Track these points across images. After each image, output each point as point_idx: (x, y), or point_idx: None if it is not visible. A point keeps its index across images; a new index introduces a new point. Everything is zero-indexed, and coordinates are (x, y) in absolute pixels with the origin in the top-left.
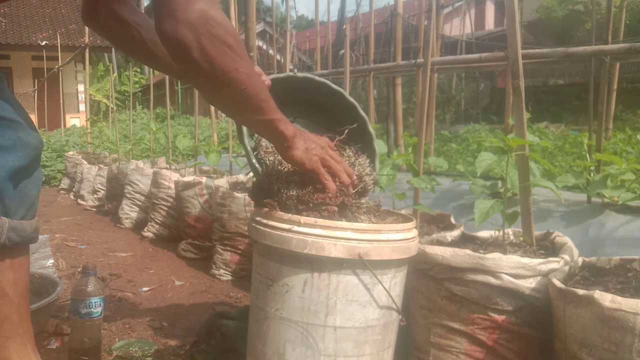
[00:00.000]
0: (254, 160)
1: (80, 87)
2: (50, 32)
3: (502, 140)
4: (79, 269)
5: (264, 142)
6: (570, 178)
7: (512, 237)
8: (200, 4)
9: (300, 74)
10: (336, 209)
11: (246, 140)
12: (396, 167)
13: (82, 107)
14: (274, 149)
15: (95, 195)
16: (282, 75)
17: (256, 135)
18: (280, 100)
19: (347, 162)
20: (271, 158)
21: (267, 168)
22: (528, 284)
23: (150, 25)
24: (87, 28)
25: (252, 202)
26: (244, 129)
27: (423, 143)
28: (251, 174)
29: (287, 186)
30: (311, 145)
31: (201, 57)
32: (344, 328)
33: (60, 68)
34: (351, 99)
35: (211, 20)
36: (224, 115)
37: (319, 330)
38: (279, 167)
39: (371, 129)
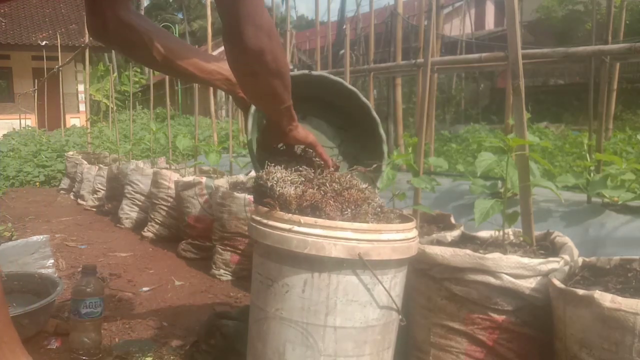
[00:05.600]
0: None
1: (80, 87)
2: (50, 32)
3: (502, 140)
4: (79, 269)
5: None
6: (570, 178)
7: (512, 237)
8: (266, 12)
9: (315, 73)
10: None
11: (250, 128)
12: (396, 167)
13: (82, 107)
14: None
15: (95, 195)
16: (297, 73)
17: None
18: (294, 97)
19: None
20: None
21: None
22: (528, 284)
23: (157, 29)
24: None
25: (253, 200)
26: (249, 124)
27: (423, 143)
28: (252, 173)
29: (283, 184)
30: None
31: (271, 57)
32: (344, 328)
33: (60, 68)
34: (365, 100)
35: (272, 26)
36: (224, 115)
37: (319, 330)
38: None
39: (381, 130)
